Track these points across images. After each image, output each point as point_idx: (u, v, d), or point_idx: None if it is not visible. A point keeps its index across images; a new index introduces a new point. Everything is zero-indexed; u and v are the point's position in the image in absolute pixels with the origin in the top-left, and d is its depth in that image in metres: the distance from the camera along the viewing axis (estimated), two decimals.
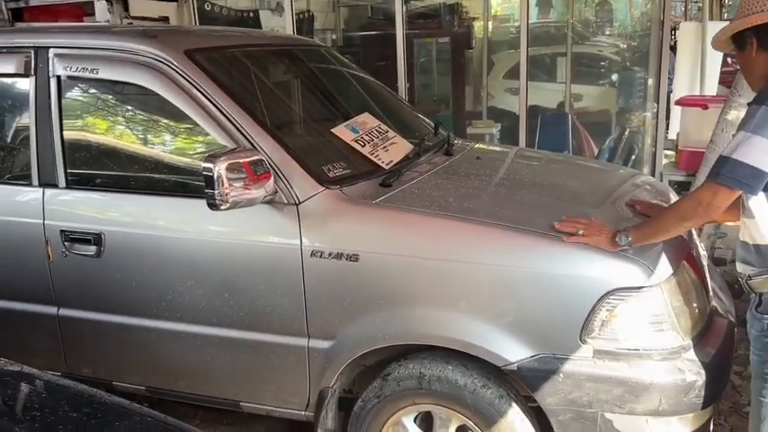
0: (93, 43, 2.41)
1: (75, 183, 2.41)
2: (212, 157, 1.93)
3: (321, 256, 2.07)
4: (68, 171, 2.40)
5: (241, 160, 1.98)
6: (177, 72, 2.24)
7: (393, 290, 2.04)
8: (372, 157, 2.39)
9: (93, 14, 4.93)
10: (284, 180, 2.11)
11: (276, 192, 2.10)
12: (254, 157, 2.03)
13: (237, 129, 2.17)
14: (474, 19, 7.06)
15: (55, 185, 2.41)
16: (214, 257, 2.21)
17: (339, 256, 2.05)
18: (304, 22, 6.34)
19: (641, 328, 1.86)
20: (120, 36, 2.42)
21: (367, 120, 2.62)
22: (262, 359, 2.25)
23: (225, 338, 2.26)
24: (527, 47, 5.06)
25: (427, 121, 3.31)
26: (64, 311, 2.47)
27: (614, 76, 6.83)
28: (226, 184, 1.93)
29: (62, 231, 2.37)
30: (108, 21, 4.84)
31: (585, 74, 7.00)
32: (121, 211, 2.36)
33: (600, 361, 1.87)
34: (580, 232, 1.92)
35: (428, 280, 2.00)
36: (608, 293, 1.84)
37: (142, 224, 2.31)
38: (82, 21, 4.85)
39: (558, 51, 7.03)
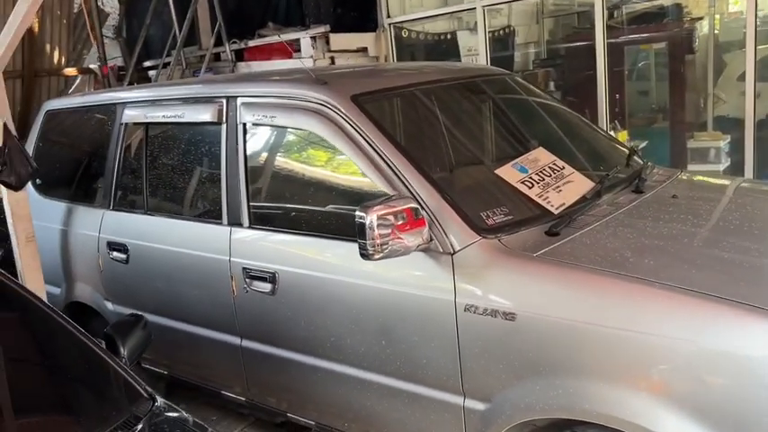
0: (273, 91, 2.54)
1: (255, 222, 2.56)
2: (365, 207, 1.91)
3: (475, 312, 1.93)
4: (251, 212, 2.56)
5: (393, 209, 1.93)
6: (343, 117, 2.27)
7: (554, 356, 1.82)
8: (540, 200, 2.18)
9: (300, 50, 5.33)
10: (439, 227, 2.02)
11: (431, 240, 2.01)
12: (409, 205, 1.97)
13: (395, 174, 2.13)
14: (698, 19, 6.24)
15: (240, 225, 2.58)
16: (370, 303, 2.19)
17: (494, 313, 1.89)
18: (503, 38, 6.14)
19: None
20: (295, 84, 2.52)
21: (540, 156, 2.40)
22: (418, 412, 2.16)
23: (383, 386, 2.22)
24: (755, 45, 4.30)
25: (622, 148, 2.96)
26: (246, 343, 2.64)
27: None
28: (377, 234, 1.89)
29: (244, 268, 2.52)
30: (312, 56, 5.19)
31: None
32: (292, 252, 2.45)
33: None
34: None
35: (594, 349, 1.75)
36: None
37: (308, 265, 2.37)
38: (291, 57, 5.27)
39: None
